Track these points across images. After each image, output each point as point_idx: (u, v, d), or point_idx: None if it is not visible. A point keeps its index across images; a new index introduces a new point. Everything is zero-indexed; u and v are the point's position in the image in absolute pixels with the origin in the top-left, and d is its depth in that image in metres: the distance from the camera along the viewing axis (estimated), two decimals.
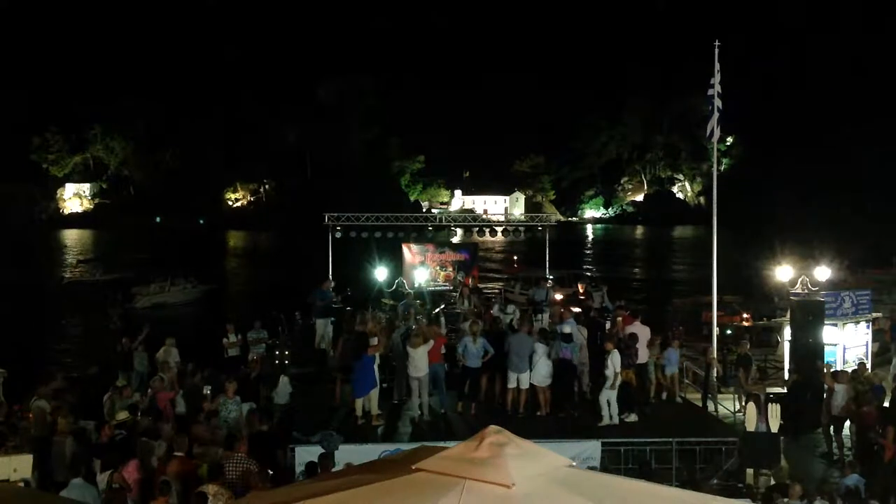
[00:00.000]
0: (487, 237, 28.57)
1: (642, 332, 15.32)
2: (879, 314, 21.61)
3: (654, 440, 13.37)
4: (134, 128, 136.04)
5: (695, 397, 16.72)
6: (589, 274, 40.50)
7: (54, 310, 41.78)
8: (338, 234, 24.02)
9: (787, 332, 18.70)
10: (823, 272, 23.74)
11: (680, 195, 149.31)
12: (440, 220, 39.79)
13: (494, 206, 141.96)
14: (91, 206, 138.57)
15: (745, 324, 24.47)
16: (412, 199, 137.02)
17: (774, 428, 12.75)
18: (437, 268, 25.24)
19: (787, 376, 17.73)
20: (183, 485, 9.66)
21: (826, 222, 72.25)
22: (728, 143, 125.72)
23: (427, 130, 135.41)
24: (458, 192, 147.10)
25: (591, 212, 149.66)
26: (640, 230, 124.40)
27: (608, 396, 14.11)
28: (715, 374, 16.80)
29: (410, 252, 25.27)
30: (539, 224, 27.27)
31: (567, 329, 14.80)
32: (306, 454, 11.83)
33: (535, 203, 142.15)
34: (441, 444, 6.12)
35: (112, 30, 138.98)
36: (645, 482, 5.16)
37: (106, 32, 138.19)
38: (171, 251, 68.37)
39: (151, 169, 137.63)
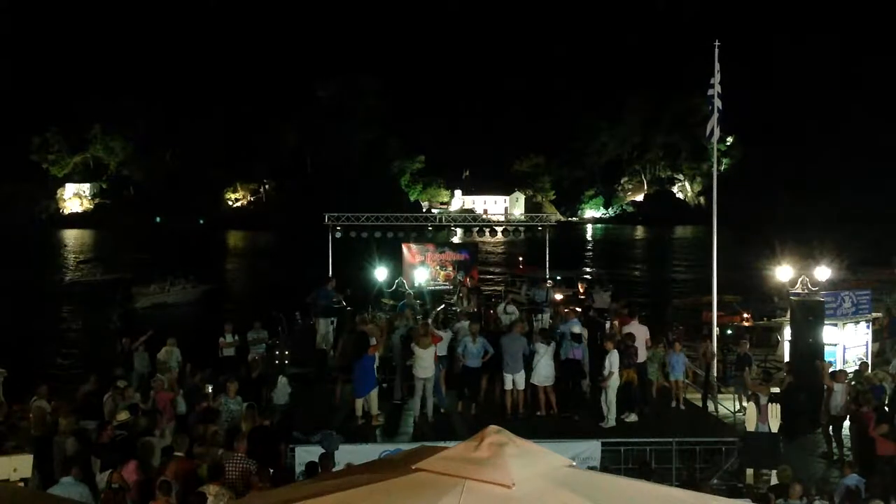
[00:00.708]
0: (487, 237, 28.57)
1: (640, 331, 15.30)
2: (879, 314, 21.62)
3: (654, 440, 13.36)
4: (134, 128, 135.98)
5: (695, 397, 16.71)
6: (593, 275, 40.46)
7: (54, 310, 41.78)
8: (338, 234, 24.01)
9: (787, 332, 18.70)
10: (823, 272, 23.72)
11: (680, 195, 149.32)
12: (440, 220, 39.83)
13: (494, 206, 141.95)
14: (91, 206, 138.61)
15: (745, 324, 24.47)
16: (412, 199, 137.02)
17: (774, 428, 12.76)
18: (437, 268, 25.23)
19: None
20: (183, 485, 9.66)
21: (826, 222, 72.26)
22: (728, 143, 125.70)
23: (427, 130, 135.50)
24: (458, 192, 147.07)
25: (591, 212, 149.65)
26: (640, 230, 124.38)
27: (606, 397, 14.10)
28: (715, 374, 16.79)
29: (410, 252, 25.26)
30: (539, 224, 27.25)
31: (577, 329, 14.81)
32: (306, 454, 11.83)
33: (535, 203, 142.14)
34: (441, 444, 6.12)
35: (112, 30, 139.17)
36: (645, 482, 5.16)
37: (106, 32, 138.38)
38: (171, 251, 68.38)
39: (151, 169, 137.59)
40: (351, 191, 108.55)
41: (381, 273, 24.27)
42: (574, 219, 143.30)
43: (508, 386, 14.44)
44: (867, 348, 19.08)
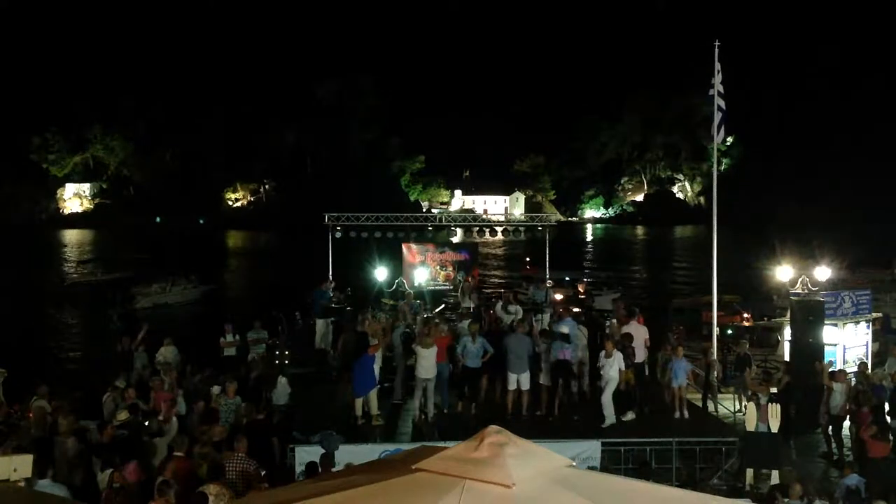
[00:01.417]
0: (487, 237, 28.57)
1: (639, 332, 15.28)
2: (879, 314, 21.63)
3: (654, 440, 13.36)
4: (134, 128, 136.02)
5: (695, 397, 16.72)
6: (601, 277, 40.51)
7: (54, 310, 41.79)
8: (338, 234, 24.02)
9: (787, 332, 18.70)
10: (823, 272, 23.73)
11: (680, 195, 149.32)
12: (440, 220, 39.81)
13: (494, 206, 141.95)
14: (91, 206, 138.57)
15: (746, 324, 24.49)
16: (412, 199, 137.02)
17: (774, 428, 12.76)
18: (437, 268, 25.24)
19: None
20: (183, 485, 9.65)
21: (826, 222, 72.23)
22: (728, 143, 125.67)
23: (427, 130, 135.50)
24: (458, 192, 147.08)
25: (591, 212, 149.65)
26: (640, 230, 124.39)
27: (605, 397, 14.08)
28: (715, 374, 16.79)
29: (410, 252, 25.27)
30: (539, 224, 27.27)
31: (565, 329, 14.77)
32: (306, 454, 11.83)
33: (535, 203, 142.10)
34: (441, 444, 6.12)
35: (112, 30, 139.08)
36: (645, 482, 5.16)
37: (106, 32, 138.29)
38: (171, 251, 68.38)
39: (151, 169, 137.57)
40: (351, 191, 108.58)
41: (381, 273, 24.28)
42: (574, 219, 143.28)
43: (512, 386, 14.41)
44: (867, 348, 19.07)
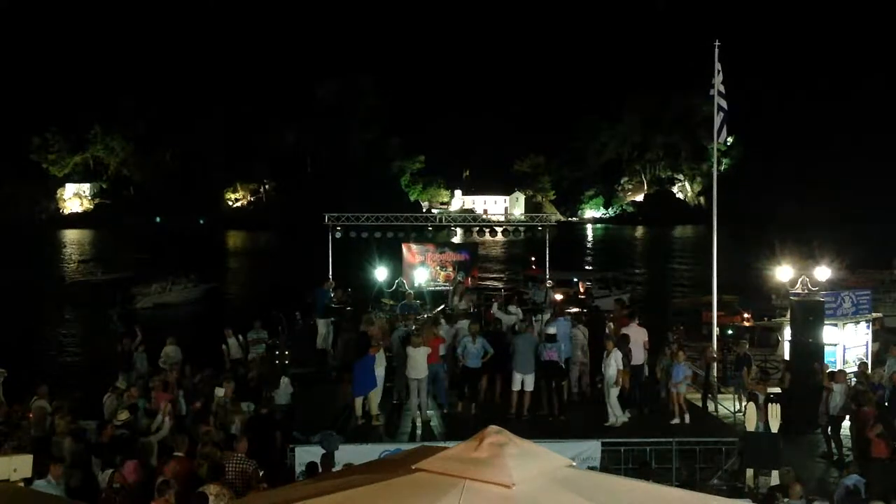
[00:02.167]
0: (487, 237, 28.55)
1: (637, 333, 15.25)
2: (879, 314, 21.62)
3: (654, 440, 13.36)
4: (134, 128, 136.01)
5: (695, 397, 16.73)
6: (610, 277, 40.52)
7: (54, 310, 41.79)
8: (338, 234, 24.01)
9: (787, 332, 18.69)
10: (823, 272, 23.73)
11: (680, 195, 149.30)
12: (440, 220, 39.82)
13: (494, 206, 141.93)
14: (91, 206, 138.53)
15: (746, 324, 24.47)
16: (412, 199, 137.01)
17: (774, 428, 12.75)
18: (437, 268, 25.20)
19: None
20: (183, 485, 9.66)
21: (826, 222, 72.27)
22: (728, 143, 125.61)
23: (427, 130, 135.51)
24: (458, 192, 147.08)
25: (591, 212, 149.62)
26: (640, 230, 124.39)
27: (612, 398, 14.07)
28: (715, 374, 16.79)
29: (410, 252, 25.25)
30: (539, 224, 27.25)
31: (552, 330, 14.73)
32: (306, 454, 11.83)
33: (535, 203, 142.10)
34: (441, 444, 6.12)
35: (112, 29, 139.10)
36: (645, 482, 5.16)
37: (106, 32, 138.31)
38: (171, 251, 68.37)
39: (151, 169, 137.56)
40: (351, 191, 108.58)
41: (381, 273, 24.26)
42: (574, 219, 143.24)
43: (517, 386, 14.37)
44: (867, 348, 19.06)
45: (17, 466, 8.88)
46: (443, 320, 17.04)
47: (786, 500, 10.11)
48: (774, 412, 12.83)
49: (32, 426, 12.73)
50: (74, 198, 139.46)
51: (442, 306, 20.31)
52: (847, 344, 18.51)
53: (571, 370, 15.49)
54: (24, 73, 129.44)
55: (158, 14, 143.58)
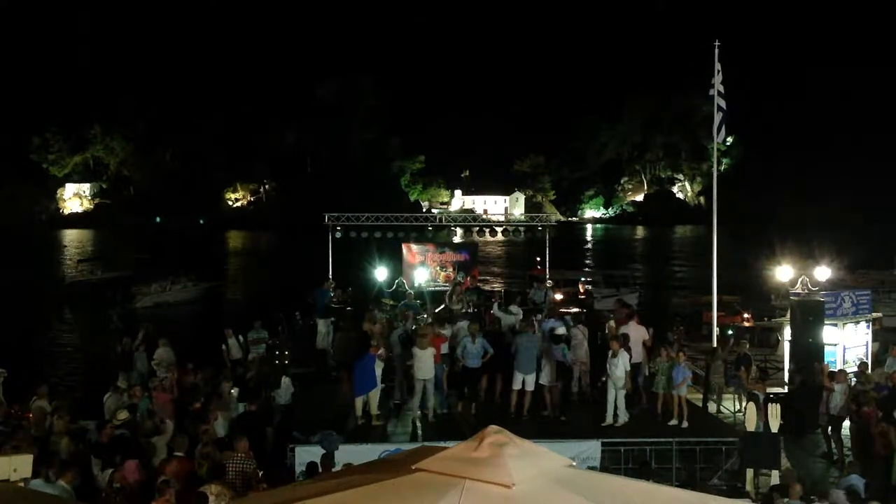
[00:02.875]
0: (487, 237, 28.56)
1: (637, 332, 15.23)
2: (879, 314, 21.63)
3: (654, 440, 13.36)
4: (134, 128, 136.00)
5: (695, 397, 16.73)
6: (619, 277, 40.55)
7: (54, 310, 41.77)
8: (338, 234, 24.02)
9: (787, 332, 18.70)
10: (823, 272, 23.74)
11: (680, 195, 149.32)
12: (440, 220, 39.81)
13: (494, 206, 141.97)
14: (91, 206, 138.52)
15: (746, 324, 24.47)
16: (412, 199, 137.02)
17: (774, 428, 12.75)
18: (437, 268, 25.21)
19: (787, 376, 17.72)
20: (183, 485, 9.66)
21: (826, 222, 72.27)
22: (728, 143, 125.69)
23: (427, 130, 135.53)
24: (458, 192, 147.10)
25: (591, 212, 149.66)
26: (640, 230, 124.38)
27: (616, 397, 14.05)
28: (721, 376, 16.76)
29: (410, 252, 25.26)
30: (539, 224, 27.26)
31: (560, 330, 14.71)
32: (306, 454, 11.83)
33: (535, 203, 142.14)
34: (441, 444, 6.12)
35: (112, 29, 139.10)
36: (645, 482, 5.16)
37: (106, 32, 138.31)
38: (171, 251, 68.35)
39: (151, 169, 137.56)
40: (351, 191, 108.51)
41: (381, 273, 24.27)
42: (574, 219, 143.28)
43: (517, 386, 14.35)
44: (867, 348, 19.07)
45: (17, 466, 8.88)
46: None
47: (786, 500, 10.11)
48: (774, 412, 12.83)
49: (32, 426, 12.73)
50: (74, 198, 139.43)
51: (442, 306, 20.31)
52: (847, 344, 18.51)
53: (572, 370, 15.48)
54: (24, 73, 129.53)
55: (158, 14, 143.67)
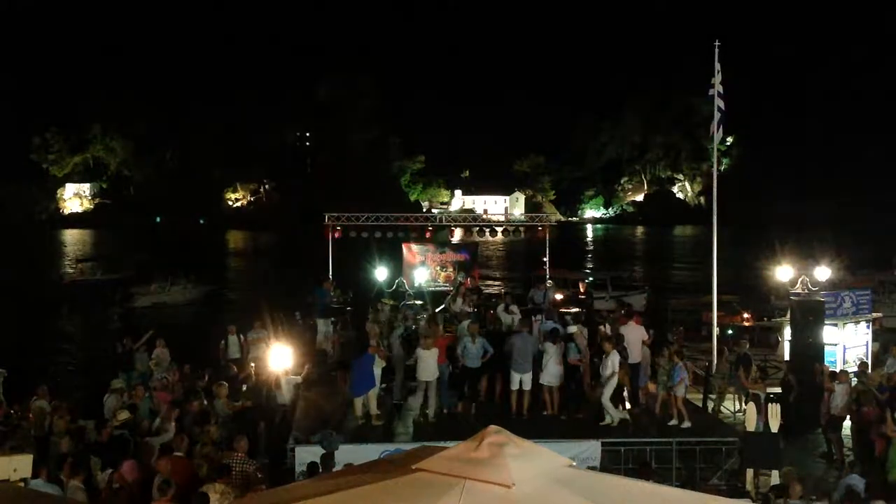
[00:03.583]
0: (487, 237, 28.53)
1: (635, 332, 15.23)
2: (879, 314, 21.62)
3: (654, 440, 13.36)
4: (134, 128, 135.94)
5: (695, 397, 16.71)
6: (626, 278, 40.59)
7: (54, 310, 41.76)
8: (338, 234, 24.01)
9: (787, 332, 18.69)
10: (823, 272, 23.73)
11: (680, 195, 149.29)
12: (440, 220, 39.75)
13: (494, 206, 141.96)
14: (91, 206, 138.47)
15: (746, 324, 24.45)
16: (412, 199, 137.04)
17: (774, 428, 12.75)
18: (438, 268, 25.19)
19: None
20: (183, 485, 9.65)
21: (826, 222, 72.22)
22: (728, 143, 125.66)
23: (427, 130, 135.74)
24: (458, 192, 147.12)
25: (591, 212, 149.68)
26: (640, 230, 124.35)
27: (604, 398, 14.06)
28: (722, 376, 16.75)
29: (410, 252, 25.24)
30: (539, 224, 27.24)
31: (572, 328, 14.73)
32: (306, 454, 11.83)
33: (535, 203, 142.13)
34: (441, 444, 6.11)
35: (112, 29, 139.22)
36: (645, 482, 5.16)
37: (106, 32, 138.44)
38: (171, 251, 68.32)
39: (151, 169, 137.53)
40: (351, 191, 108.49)
41: (381, 273, 24.27)
42: (574, 219, 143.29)
43: (515, 386, 14.35)
44: (867, 348, 19.06)
45: (17, 466, 8.89)
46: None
47: (786, 500, 10.10)
48: (774, 412, 12.83)
49: (32, 426, 12.72)
50: (74, 198, 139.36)
51: (442, 307, 20.30)
52: (847, 344, 18.51)
53: (578, 370, 15.48)
54: (24, 73, 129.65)
55: (159, 14, 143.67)
